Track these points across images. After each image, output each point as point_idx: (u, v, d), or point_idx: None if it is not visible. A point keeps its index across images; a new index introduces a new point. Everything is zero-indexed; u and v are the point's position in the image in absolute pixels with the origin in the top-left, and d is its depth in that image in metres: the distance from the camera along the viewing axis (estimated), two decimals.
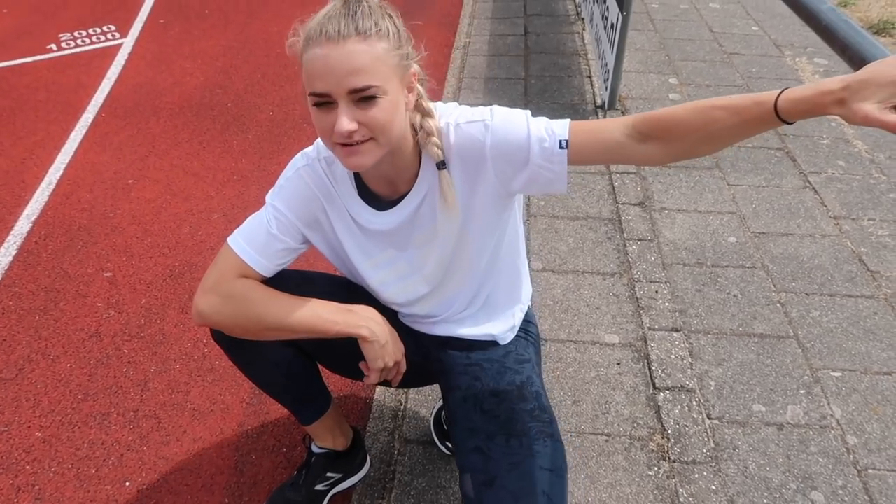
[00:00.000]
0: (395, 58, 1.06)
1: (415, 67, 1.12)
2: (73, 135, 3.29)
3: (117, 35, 4.33)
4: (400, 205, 1.25)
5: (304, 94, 1.09)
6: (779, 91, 0.95)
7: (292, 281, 1.30)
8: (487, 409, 1.27)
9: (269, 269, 1.26)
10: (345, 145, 1.07)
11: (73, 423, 1.92)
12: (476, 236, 1.28)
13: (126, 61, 4.02)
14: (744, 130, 1.02)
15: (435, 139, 1.16)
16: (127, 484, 1.76)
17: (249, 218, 1.27)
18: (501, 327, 1.43)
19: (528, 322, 1.50)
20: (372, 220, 1.27)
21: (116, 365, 2.10)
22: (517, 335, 1.46)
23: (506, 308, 1.44)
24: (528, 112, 1.17)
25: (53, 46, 4.18)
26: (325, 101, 1.04)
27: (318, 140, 1.26)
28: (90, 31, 4.38)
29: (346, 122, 1.03)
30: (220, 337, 1.35)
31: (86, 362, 2.10)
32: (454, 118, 1.18)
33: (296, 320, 1.22)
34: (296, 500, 1.64)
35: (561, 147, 1.12)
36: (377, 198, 1.26)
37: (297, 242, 1.28)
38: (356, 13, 1.03)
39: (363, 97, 1.03)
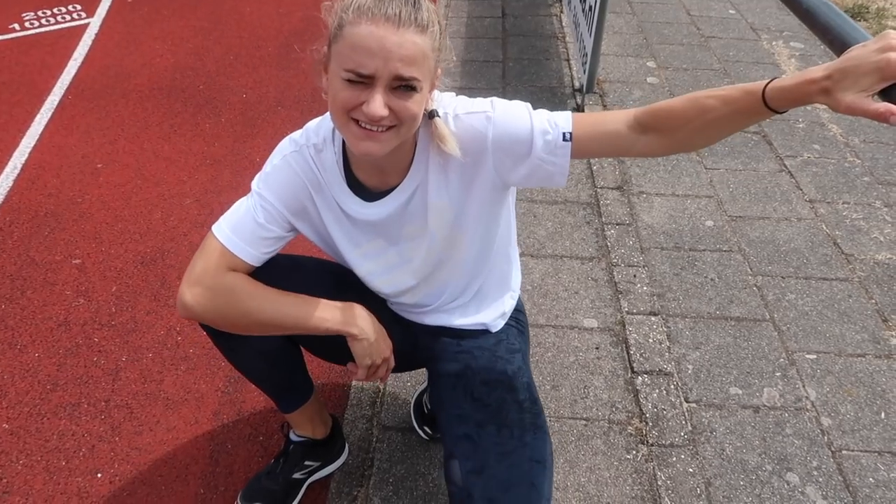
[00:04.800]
0: (435, 55, 1.05)
1: (441, 67, 1.11)
2: (38, 118, 3.19)
3: (83, 14, 4.20)
4: (389, 196, 1.22)
5: (323, 59, 1.07)
6: (767, 80, 0.96)
7: (282, 267, 1.28)
8: (478, 398, 1.26)
9: (256, 259, 1.23)
10: (363, 128, 1.03)
11: (42, 414, 1.87)
12: (468, 229, 1.26)
13: (93, 42, 3.90)
14: (736, 120, 1.03)
15: (450, 144, 1.13)
16: (99, 475, 1.73)
17: (235, 205, 1.23)
18: (492, 315, 1.42)
19: (518, 311, 1.50)
20: (360, 211, 1.24)
21: (86, 354, 2.04)
22: (508, 323, 1.45)
23: (497, 297, 1.43)
24: (529, 104, 1.17)
25: (16, 26, 4.05)
26: (360, 80, 1.00)
27: (308, 126, 1.24)
28: (55, 10, 4.24)
29: (380, 105, 1.00)
30: (213, 334, 1.32)
31: (54, 352, 2.05)
32: (453, 108, 1.16)
33: (285, 317, 1.20)
34: (273, 489, 1.61)
35: (565, 139, 1.12)
36: (365, 188, 1.23)
37: (285, 231, 1.25)
38: (416, 2, 1.00)
39: (403, 86, 1.01)
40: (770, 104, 0.95)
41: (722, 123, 1.04)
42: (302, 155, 1.22)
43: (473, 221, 1.25)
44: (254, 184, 1.23)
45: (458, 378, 1.31)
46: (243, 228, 1.20)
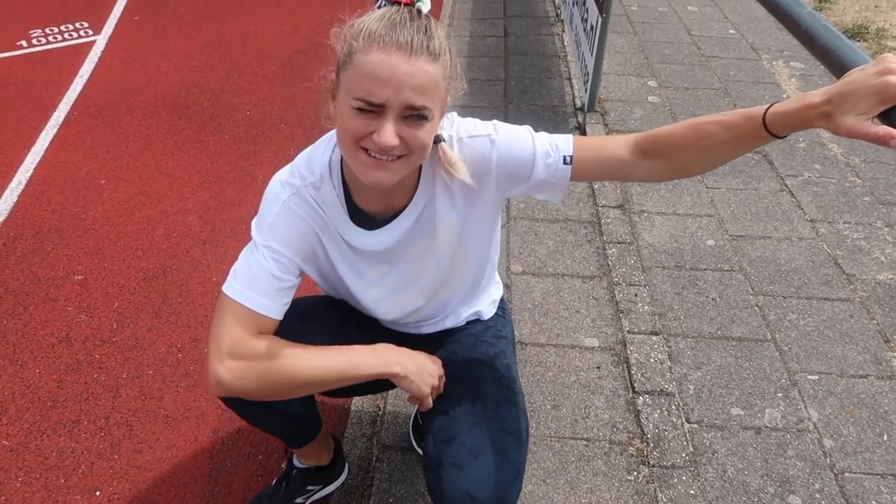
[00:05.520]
0: (446, 83, 1.04)
1: (451, 95, 1.10)
2: (43, 133, 3.21)
3: (90, 32, 4.25)
4: (395, 221, 1.21)
5: (331, 86, 1.05)
6: (768, 105, 0.96)
7: (292, 320, 1.21)
8: (458, 377, 1.29)
9: (280, 313, 1.17)
10: (372, 157, 1.02)
11: (42, 431, 1.87)
12: (473, 243, 1.28)
13: (99, 59, 3.94)
14: (737, 145, 1.03)
15: (461, 171, 1.13)
16: (97, 493, 1.72)
17: (241, 262, 1.16)
18: (485, 304, 1.47)
19: (503, 301, 1.55)
20: (365, 242, 1.23)
21: (87, 371, 2.04)
22: (496, 313, 1.49)
23: (488, 287, 1.48)
24: (530, 127, 1.18)
25: (24, 43, 4.09)
26: (370, 108, 0.98)
27: (296, 164, 1.19)
28: (62, 27, 4.29)
29: (391, 135, 0.98)
30: (232, 400, 1.25)
31: (55, 368, 2.05)
32: (456, 131, 1.16)
33: (326, 375, 1.15)
34: None
35: (565, 163, 1.14)
36: (367, 216, 1.21)
37: (297, 277, 1.21)
38: (428, 30, 0.98)
39: (414, 115, 0.99)
40: (771, 129, 0.95)
41: (723, 149, 1.04)
42: (301, 197, 1.17)
43: (477, 235, 1.27)
44: (258, 236, 1.16)
45: (443, 365, 1.31)
46: (261, 285, 1.13)
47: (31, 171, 2.95)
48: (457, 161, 1.14)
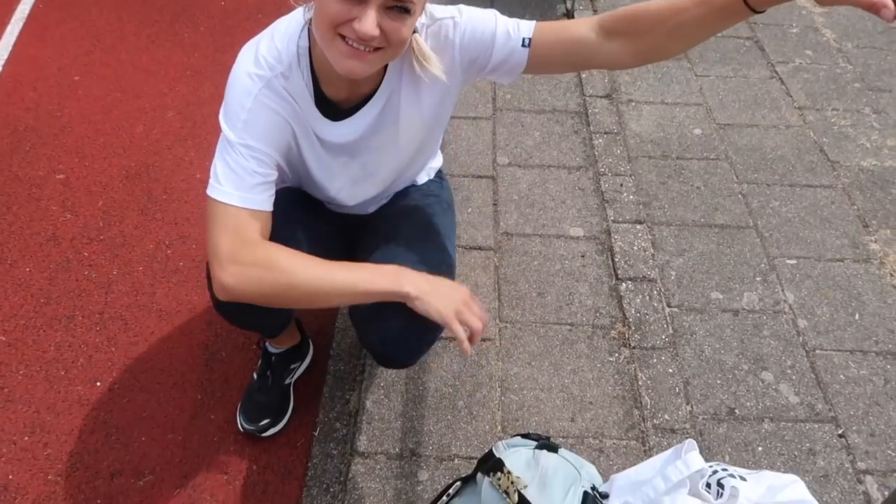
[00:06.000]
0: None
1: None
2: (9, 28, 3.06)
3: None
4: (359, 113, 1.19)
5: None
6: None
7: (276, 224, 1.19)
8: (377, 228, 1.43)
9: (269, 205, 1.14)
10: (350, 45, 0.99)
11: (38, 327, 1.90)
12: (433, 137, 1.29)
13: None
14: (713, 22, 0.99)
15: (434, 65, 1.12)
16: (98, 384, 1.78)
17: (220, 164, 1.11)
18: (421, 174, 1.54)
19: (440, 171, 1.61)
20: (331, 133, 1.21)
21: (77, 268, 2.06)
22: (432, 179, 1.56)
23: (429, 161, 1.51)
24: (496, 11, 1.14)
25: None
26: None
27: (260, 52, 1.12)
28: None
29: (372, 24, 0.95)
30: (227, 307, 1.22)
31: (45, 266, 2.06)
32: (422, 16, 1.12)
33: (333, 287, 1.12)
34: (272, 401, 1.69)
35: (523, 45, 1.12)
36: (332, 105, 1.18)
37: (276, 170, 1.18)
38: None
39: (397, 7, 0.96)
40: (750, 3, 0.92)
41: (697, 25, 1.00)
42: (272, 89, 1.12)
43: (438, 129, 1.29)
44: (231, 134, 1.11)
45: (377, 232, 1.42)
46: (245, 183, 1.10)
47: (0, 68, 2.84)
48: (430, 54, 1.11)
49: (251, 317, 1.38)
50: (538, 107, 2.64)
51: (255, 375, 1.72)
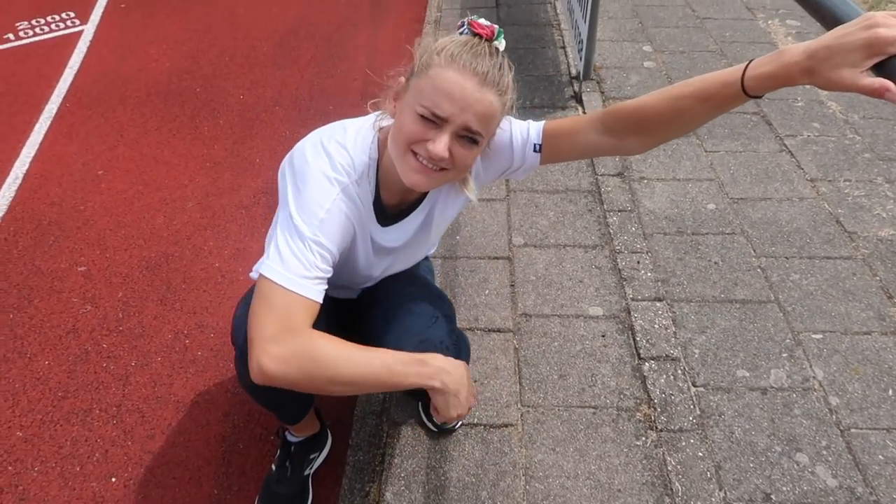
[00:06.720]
0: (500, 119, 1.15)
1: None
2: (37, 127, 3.20)
3: (77, 22, 4.20)
4: (406, 220, 1.34)
5: (399, 88, 1.14)
6: (743, 67, 0.98)
7: None
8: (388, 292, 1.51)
9: (320, 299, 1.15)
10: (420, 162, 1.10)
11: (55, 421, 1.89)
12: (451, 222, 1.45)
13: (88, 49, 3.90)
14: (715, 111, 1.07)
15: (470, 189, 1.30)
16: (113, 480, 1.74)
17: (285, 250, 1.11)
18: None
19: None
20: (382, 237, 1.33)
21: (96, 360, 2.06)
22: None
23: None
24: (510, 117, 1.25)
25: (11, 36, 4.05)
26: (433, 119, 1.06)
27: (337, 156, 1.18)
28: (48, 18, 4.24)
29: (444, 147, 1.06)
30: (259, 389, 1.21)
31: (64, 359, 2.06)
32: None
33: (367, 376, 1.13)
34: (291, 493, 1.65)
35: (535, 151, 1.26)
36: (383, 208, 1.29)
37: (332, 269, 1.20)
38: (502, 68, 1.08)
39: (468, 137, 1.09)
40: (750, 93, 0.98)
41: (701, 117, 1.09)
42: (348, 195, 1.19)
43: (457, 214, 1.45)
44: (305, 228, 1.12)
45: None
46: (306, 272, 1.11)
47: (27, 165, 2.94)
48: (470, 180, 1.28)
49: (278, 395, 1.36)
50: (551, 187, 2.67)
51: (273, 467, 1.68)
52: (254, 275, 1.53)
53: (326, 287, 1.16)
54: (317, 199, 1.15)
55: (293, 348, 1.07)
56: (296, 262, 1.10)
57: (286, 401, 1.46)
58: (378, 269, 1.44)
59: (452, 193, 1.34)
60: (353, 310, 1.58)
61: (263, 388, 1.24)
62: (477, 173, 1.31)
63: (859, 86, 0.85)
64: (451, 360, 1.24)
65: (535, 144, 1.25)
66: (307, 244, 1.12)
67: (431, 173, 1.11)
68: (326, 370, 1.10)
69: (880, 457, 1.70)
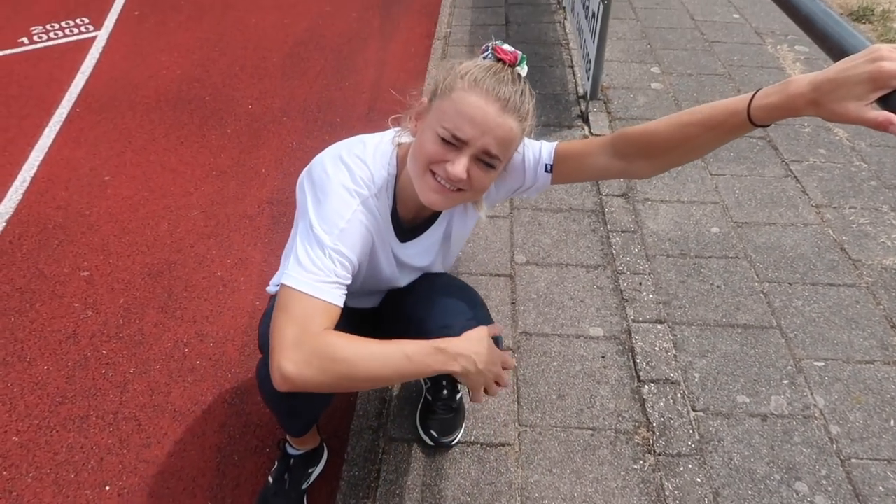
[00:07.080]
0: (518, 144, 1.17)
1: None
2: (46, 130, 3.22)
3: (91, 28, 4.24)
4: (423, 235, 1.38)
5: (420, 108, 1.17)
6: (750, 96, 0.99)
7: None
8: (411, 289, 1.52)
9: (340, 303, 1.16)
10: (438, 181, 1.13)
11: (51, 427, 1.88)
12: (468, 235, 1.51)
13: (100, 54, 3.93)
14: (722, 139, 1.10)
15: (483, 210, 1.35)
16: (107, 488, 1.73)
17: (304, 258, 1.13)
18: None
19: None
20: (402, 252, 1.37)
21: (95, 366, 2.06)
22: None
23: None
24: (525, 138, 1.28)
25: (25, 40, 4.09)
26: (453, 141, 1.08)
27: (357, 169, 1.20)
28: (63, 23, 4.29)
29: (462, 169, 1.09)
30: (279, 397, 1.22)
31: (63, 364, 2.06)
32: None
33: (388, 369, 1.13)
34: None
35: (546, 171, 1.28)
36: (400, 222, 1.32)
37: (351, 278, 1.21)
38: (524, 94, 1.11)
39: (486, 160, 1.12)
40: (756, 122, 1.00)
41: (709, 144, 1.12)
42: (367, 207, 1.21)
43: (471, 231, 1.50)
44: (326, 238, 1.14)
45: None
46: (327, 278, 1.13)
47: (35, 169, 2.96)
48: (482, 201, 1.31)
49: (297, 403, 1.35)
50: (555, 206, 2.67)
51: (270, 479, 1.67)
52: (271, 289, 1.56)
53: (345, 292, 1.17)
54: (337, 210, 1.17)
55: (312, 350, 1.07)
56: (315, 269, 1.12)
57: (303, 410, 1.43)
58: (405, 280, 1.48)
59: (466, 208, 1.40)
60: (370, 319, 1.61)
61: (283, 395, 1.24)
62: (488, 192, 1.33)
63: (864, 119, 0.85)
64: (469, 337, 1.23)
65: (546, 164, 1.27)
66: (327, 253, 1.14)
67: (449, 193, 1.14)
68: (347, 368, 1.09)
69: (881, 488, 1.69)
